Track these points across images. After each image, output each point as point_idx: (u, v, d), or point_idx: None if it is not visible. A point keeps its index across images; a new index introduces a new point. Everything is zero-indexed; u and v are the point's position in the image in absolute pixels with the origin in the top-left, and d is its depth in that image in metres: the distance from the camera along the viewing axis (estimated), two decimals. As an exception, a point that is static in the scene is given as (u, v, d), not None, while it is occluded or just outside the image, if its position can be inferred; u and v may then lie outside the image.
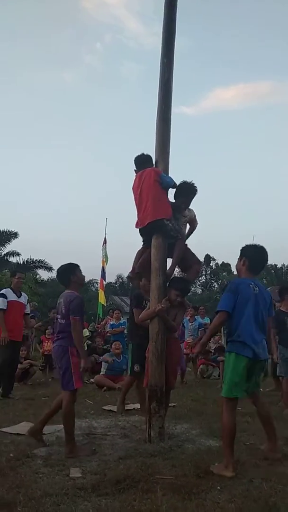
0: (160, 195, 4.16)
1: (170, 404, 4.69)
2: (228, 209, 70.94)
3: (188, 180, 4.34)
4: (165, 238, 4.20)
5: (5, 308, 6.39)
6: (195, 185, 4.32)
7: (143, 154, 4.41)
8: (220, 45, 71.95)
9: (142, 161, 4.36)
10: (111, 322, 9.66)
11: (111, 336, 9.28)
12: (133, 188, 4.33)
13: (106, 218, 13.36)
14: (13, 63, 69.14)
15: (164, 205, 4.16)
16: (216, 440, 4.03)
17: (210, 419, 4.86)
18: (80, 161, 72.51)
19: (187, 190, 4.34)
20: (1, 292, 6.60)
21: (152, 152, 4.43)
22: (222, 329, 10.08)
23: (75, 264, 4.03)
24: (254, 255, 3.56)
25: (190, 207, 4.43)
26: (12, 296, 6.55)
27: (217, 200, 68.79)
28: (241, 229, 56.32)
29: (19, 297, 6.66)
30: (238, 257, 3.63)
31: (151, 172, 4.18)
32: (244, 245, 3.61)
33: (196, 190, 4.33)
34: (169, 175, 4.29)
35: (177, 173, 4.44)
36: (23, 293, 6.87)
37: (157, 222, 4.09)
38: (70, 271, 3.97)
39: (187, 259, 4.41)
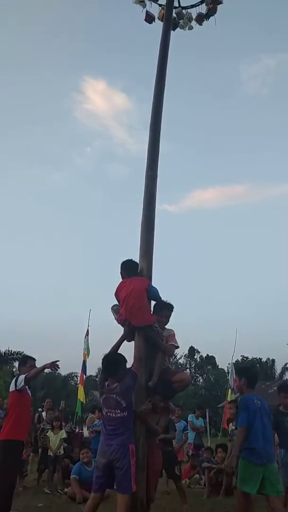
0: (147, 303, 4.38)
1: None
2: (211, 301, 71.67)
3: (165, 301, 4.67)
4: (149, 340, 4.29)
5: (23, 389, 5.23)
6: (170, 303, 4.70)
7: (131, 261, 4.64)
8: (201, 151, 79.43)
9: (130, 268, 4.58)
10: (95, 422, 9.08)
11: (92, 440, 8.59)
12: (119, 290, 4.47)
13: (90, 309, 13.34)
14: (4, 161, 74.14)
15: (150, 313, 4.42)
16: None
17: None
18: (65, 252, 74.16)
19: (167, 306, 4.66)
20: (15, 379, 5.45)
21: (136, 250, 4.72)
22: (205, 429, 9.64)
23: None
24: (250, 375, 4.66)
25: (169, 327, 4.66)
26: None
27: (199, 293, 69.77)
28: (224, 321, 56.21)
29: (29, 389, 5.59)
30: (236, 377, 4.60)
31: (143, 281, 4.41)
32: (240, 368, 4.43)
33: (173, 307, 4.72)
34: (153, 273, 4.59)
35: (161, 267, 4.73)
36: None
37: (149, 327, 4.27)
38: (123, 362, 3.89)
39: (170, 373, 4.43)
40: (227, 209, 74.60)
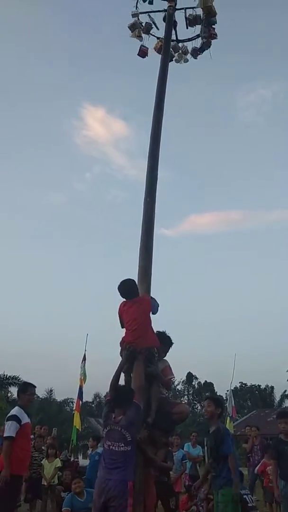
0: (151, 325, 4.35)
1: None
2: (209, 326, 71.19)
3: (167, 332, 4.75)
4: (146, 366, 4.21)
5: (13, 435, 4.93)
6: (170, 338, 4.78)
7: (128, 282, 4.46)
8: (197, 177, 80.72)
9: (129, 291, 4.44)
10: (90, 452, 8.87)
11: (87, 469, 8.39)
12: (122, 312, 4.43)
13: (87, 334, 13.20)
14: (6, 183, 75.24)
15: (154, 335, 4.37)
16: None
17: None
18: (62, 276, 74.11)
19: (167, 341, 4.72)
20: (13, 413, 5.15)
21: (135, 272, 4.74)
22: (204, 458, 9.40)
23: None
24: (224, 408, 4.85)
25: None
26: (25, 418, 5.18)
27: (197, 318, 69.38)
28: (223, 348, 55.69)
29: (28, 417, 5.38)
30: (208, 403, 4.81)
31: (144, 303, 4.38)
32: (217, 398, 4.96)
33: (172, 343, 4.81)
34: (151, 296, 4.60)
35: (157, 291, 4.81)
36: None
37: (150, 349, 4.24)
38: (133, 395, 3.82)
39: (169, 405, 4.41)
40: (223, 233, 75.36)
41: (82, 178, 79.34)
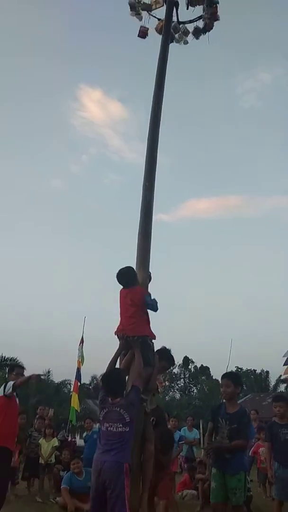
0: (143, 315, 4.27)
1: None
2: (206, 311, 71.61)
3: (171, 351, 4.71)
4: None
5: (13, 393, 5.40)
6: (173, 358, 4.78)
7: (126, 270, 4.45)
8: (196, 162, 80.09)
9: (127, 279, 4.41)
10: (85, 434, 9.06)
11: (84, 448, 8.59)
12: (119, 298, 4.42)
13: (85, 317, 13.30)
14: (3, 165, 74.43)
15: (148, 327, 4.30)
16: None
17: None
18: (60, 260, 74.12)
19: (170, 360, 4.70)
20: (9, 381, 5.59)
21: (133, 256, 4.72)
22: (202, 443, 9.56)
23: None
24: (242, 387, 4.60)
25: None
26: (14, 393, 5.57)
27: (194, 303, 69.72)
28: (219, 332, 56.20)
29: (17, 397, 5.74)
30: (230, 382, 4.35)
31: (141, 293, 4.31)
32: (237, 375, 4.63)
33: (173, 363, 4.89)
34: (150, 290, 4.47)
35: (155, 277, 4.76)
36: None
37: (144, 338, 4.18)
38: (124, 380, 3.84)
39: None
40: (222, 219, 75.11)
41: (78, 160, 78.37)
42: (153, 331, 4.35)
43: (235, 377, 4.54)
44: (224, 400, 4.43)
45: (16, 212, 70.86)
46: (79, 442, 11.21)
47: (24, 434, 8.63)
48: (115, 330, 4.31)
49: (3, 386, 5.60)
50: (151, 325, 4.36)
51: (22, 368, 6.21)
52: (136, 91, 69.04)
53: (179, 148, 74.55)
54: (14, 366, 6.47)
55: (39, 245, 72.05)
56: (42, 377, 5.46)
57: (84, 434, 9.31)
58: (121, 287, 4.45)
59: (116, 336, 4.28)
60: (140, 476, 3.87)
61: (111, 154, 77.49)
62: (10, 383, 5.47)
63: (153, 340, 4.32)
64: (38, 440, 8.40)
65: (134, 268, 4.59)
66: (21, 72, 73.13)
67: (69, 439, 10.84)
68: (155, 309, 4.33)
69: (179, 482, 8.33)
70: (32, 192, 72.25)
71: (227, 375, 4.49)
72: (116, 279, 4.41)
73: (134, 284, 4.40)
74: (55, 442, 8.39)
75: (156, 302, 4.32)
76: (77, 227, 75.97)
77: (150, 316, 4.39)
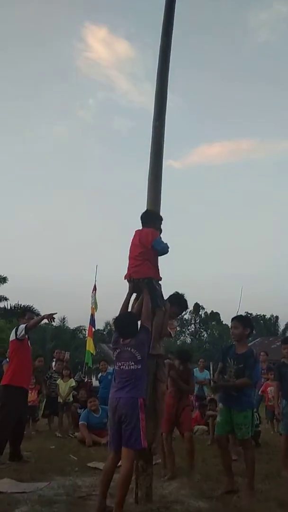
0: (150, 256, 4.17)
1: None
2: (216, 257, 71.88)
3: (184, 296, 4.72)
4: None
5: (26, 335, 5.65)
6: (187, 303, 4.78)
7: (148, 211, 4.44)
8: (207, 105, 76.50)
9: (145, 219, 4.37)
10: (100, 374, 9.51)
11: (99, 388, 9.06)
12: (131, 242, 4.34)
13: (96, 265, 13.43)
14: (6, 114, 72.15)
15: (154, 269, 4.21)
16: (206, 501, 3.88)
17: (200, 479, 4.68)
18: (72, 208, 73.92)
19: (182, 305, 4.70)
20: (21, 325, 5.79)
21: (143, 204, 4.60)
22: (210, 381, 9.96)
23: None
24: (252, 328, 4.67)
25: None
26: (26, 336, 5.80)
27: (205, 250, 69.82)
28: (230, 278, 56.76)
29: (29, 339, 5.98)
30: (239, 323, 4.44)
31: (149, 234, 4.19)
32: (246, 318, 4.71)
33: (186, 307, 4.92)
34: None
35: (166, 224, 4.64)
36: None
37: (149, 280, 4.13)
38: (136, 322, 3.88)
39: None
40: (233, 165, 73.07)
41: (85, 104, 75.45)
42: (160, 273, 4.29)
43: (243, 319, 4.63)
44: (234, 342, 4.53)
45: (20, 161, 69.86)
46: (95, 383, 11.75)
47: (42, 376, 9.09)
48: (125, 275, 4.28)
49: (14, 330, 5.80)
50: (159, 268, 4.29)
51: (33, 313, 6.40)
52: (143, 28, 64.80)
53: (189, 89, 71.24)
54: (26, 311, 6.56)
55: (45, 194, 71.70)
56: (55, 316, 5.49)
57: (99, 375, 9.77)
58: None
59: (126, 280, 4.26)
60: (153, 414, 4.02)
61: (119, 98, 74.42)
62: (22, 326, 5.63)
63: (160, 282, 4.28)
64: (57, 381, 8.87)
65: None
66: (21, 10, 68.61)
67: (86, 380, 11.36)
68: (165, 252, 4.24)
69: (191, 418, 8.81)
70: (35, 139, 70.48)
71: (235, 318, 4.56)
72: (140, 218, 4.40)
73: (150, 227, 4.31)
74: (72, 382, 8.84)
75: (167, 247, 4.23)
76: (83, 174, 74.85)
77: (160, 260, 4.31)
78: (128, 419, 3.47)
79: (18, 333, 5.65)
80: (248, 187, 75.81)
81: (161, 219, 4.47)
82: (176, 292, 4.73)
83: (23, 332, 5.61)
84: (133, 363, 3.62)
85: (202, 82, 73.43)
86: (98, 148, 74.67)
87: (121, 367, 3.67)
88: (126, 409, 3.50)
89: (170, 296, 4.59)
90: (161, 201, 4.64)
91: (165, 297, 4.41)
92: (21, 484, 4.35)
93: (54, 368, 9.45)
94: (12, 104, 71.59)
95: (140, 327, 3.88)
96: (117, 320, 4.00)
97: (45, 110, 73.47)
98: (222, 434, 4.41)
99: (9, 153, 67.98)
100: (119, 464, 3.59)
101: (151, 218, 4.39)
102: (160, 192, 4.64)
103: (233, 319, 4.55)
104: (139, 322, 3.95)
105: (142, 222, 4.39)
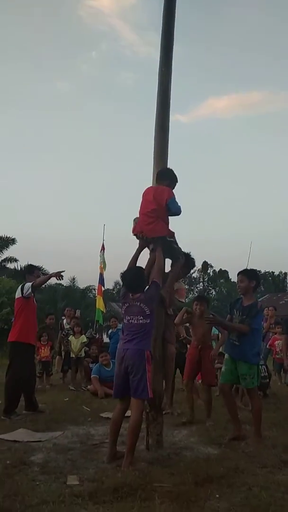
0: (162, 214, 4.10)
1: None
2: (225, 215, 71.21)
3: (191, 255, 4.77)
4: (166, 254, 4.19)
5: (32, 294, 5.71)
6: (194, 260, 4.88)
7: (166, 168, 4.34)
8: (214, 54, 72.79)
9: (161, 175, 4.27)
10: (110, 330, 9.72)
11: (110, 344, 9.28)
12: (143, 197, 4.25)
13: (104, 224, 13.36)
14: (5, 71, 69.52)
15: (166, 226, 4.15)
16: (215, 447, 4.02)
17: (209, 427, 4.83)
18: (78, 167, 72.87)
19: (189, 264, 4.70)
20: (27, 283, 5.81)
21: (150, 159, 4.47)
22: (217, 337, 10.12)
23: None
24: (259, 280, 4.70)
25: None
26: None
27: (214, 207, 69.06)
28: (239, 236, 56.48)
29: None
30: (243, 277, 4.45)
31: (165, 192, 4.09)
32: (251, 270, 4.59)
33: (194, 266, 5.01)
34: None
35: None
36: None
37: (163, 238, 4.10)
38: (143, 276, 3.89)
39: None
40: (243, 118, 70.51)
41: (88, 57, 72.23)
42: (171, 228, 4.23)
43: (248, 272, 4.59)
44: (241, 295, 4.55)
45: (22, 120, 68.12)
46: (105, 339, 12.06)
47: (54, 333, 9.30)
48: (133, 229, 4.22)
49: (20, 287, 5.81)
50: (169, 224, 4.22)
51: (39, 270, 6.30)
52: None
53: (196, 39, 67.44)
54: (34, 268, 6.33)
55: (50, 154, 70.42)
56: (63, 274, 5.48)
57: (110, 331, 9.98)
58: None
59: (134, 236, 4.20)
60: (162, 371, 4.11)
61: (123, 49, 71.06)
62: (28, 284, 5.64)
63: (173, 235, 4.23)
64: (69, 337, 9.09)
65: (152, 165, 4.37)
66: None
67: (97, 336, 11.63)
68: (177, 214, 4.18)
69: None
70: (36, 97, 68.28)
71: (241, 272, 4.56)
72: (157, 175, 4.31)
73: (166, 185, 4.21)
74: (83, 338, 9.05)
75: (180, 209, 4.16)
76: (86, 131, 72.97)
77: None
78: (135, 370, 3.55)
79: (24, 291, 5.67)
80: (258, 142, 73.54)
81: (177, 180, 4.35)
82: (182, 251, 4.68)
83: (30, 290, 5.63)
84: (142, 318, 3.65)
85: (209, 30, 69.56)
86: (102, 103, 72.27)
87: (130, 321, 3.70)
88: (134, 360, 3.57)
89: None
90: (168, 156, 4.48)
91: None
92: (36, 434, 4.54)
93: (69, 326, 9.68)
94: (10, 59, 68.84)
95: (151, 282, 3.87)
96: (124, 274, 3.98)
97: (46, 65, 70.74)
98: (225, 383, 4.53)
99: (10, 113, 66.28)
100: (128, 414, 3.71)
101: (170, 176, 4.28)
102: (168, 144, 4.47)
103: (239, 273, 4.54)
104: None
105: (158, 178, 4.27)
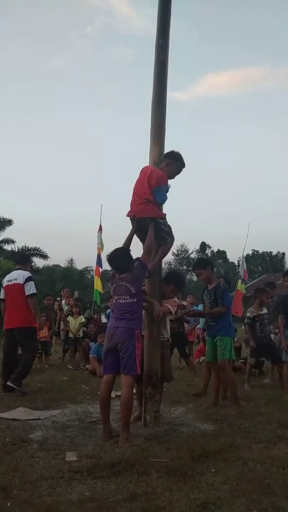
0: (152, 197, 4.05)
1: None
2: (223, 195, 70.81)
3: (180, 274, 4.98)
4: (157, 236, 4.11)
5: (36, 292, 6.23)
6: (185, 281, 4.94)
7: (175, 152, 4.27)
8: (213, 28, 70.95)
9: (166, 155, 4.25)
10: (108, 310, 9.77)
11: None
12: (140, 174, 4.21)
13: (101, 205, 13.25)
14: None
15: (157, 208, 4.12)
16: (211, 424, 4.08)
17: (205, 404, 4.90)
18: (74, 146, 71.88)
19: (178, 283, 4.56)
20: (30, 275, 6.26)
21: (147, 134, 4.38)
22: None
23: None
24: (212, 267, 5.27)
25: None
26: None
27: (211, 187, 68.65)
28: (237, 216, 56.33)
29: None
30: (197, 273, 5.09)
31: (156, 178, 4.03)
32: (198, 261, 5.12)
33: (183, 284, 5.08)
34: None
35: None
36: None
37: (154, 219, 4.05)
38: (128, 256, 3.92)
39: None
40: (243, 95, 69.30)
41: (82, 33, 70.30)
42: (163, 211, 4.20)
43: (199, 263, 5.34)
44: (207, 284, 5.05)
45: (16, 97, 66.75)
46: (104, 320, 12.13)
47: (52, 313, 9.35)
48: (128, 212, 4.18)
49: (23, 277, 6.07)
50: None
51: (40, 254, 6.80)
52: None
53: (193, 13, 65.58)
54: (28, 260, 7.07)
55: (46, 132, 69.34)
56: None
57: (108, 311, 10.01)
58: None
59: (128, 218, 4.17)
60: (159, 343, 4.14)
61: (119, 24, 69.15)
62: (33, 288, 6.06)
63: (164, 218, 4.19)
64: (67, 317, 9.15)
65: (149, 142, 4.29)
66: None
67: (95, 317, 11.70)
68: (160, 203, 4.13)
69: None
70: (30, 72, 66.72)
71: (193, 267, 5.08)
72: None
73: (167, 163, 4.19)
74: (81, 319, 9.11)
75: (164, 200, 4.13)
76: (82, 109, 71.69)
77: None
78: (124, 347, 3.63)
79: (28, 288, 6.01)
80: (258, 119, 72.52)
81: (183, 164, 4.27)
82: (172, 270, 4.73)
83: (32, 292, 6.06)
84: (128, 297, 3.72)
85: (207, 3, 67.56)
86: (97, 79, 70.76)
87: (118, 300, 3.78)
88: (123, 338, 3.64)
89: (166, 274, 4.71)
90: (165, 133, 4.37)
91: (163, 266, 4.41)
92: (35, 412, 4.60)
93: (68, 306, 9.74)
94: (2, 34, 66.91)
95: (138, 261, 3.87)
96: (109, 256, 4.02)
97: (40, 41, 68.86)
98: (210, 361, 5.11)
99: (4, 88, 64.90)
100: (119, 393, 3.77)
101: (173, 157, 4.22)
102: (165, 121, 4.36)
103: (193, 269, 5.03)
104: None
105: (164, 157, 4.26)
